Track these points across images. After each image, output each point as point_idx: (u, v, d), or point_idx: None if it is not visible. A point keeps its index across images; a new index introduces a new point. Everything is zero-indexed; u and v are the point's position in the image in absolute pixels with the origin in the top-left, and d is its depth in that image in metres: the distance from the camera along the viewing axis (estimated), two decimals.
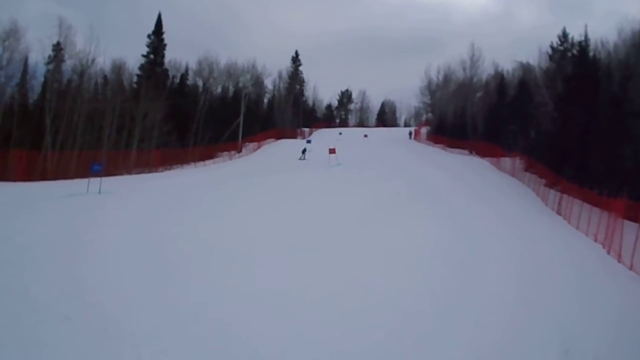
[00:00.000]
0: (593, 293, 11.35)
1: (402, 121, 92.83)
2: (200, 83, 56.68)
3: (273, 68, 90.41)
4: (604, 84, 28.39)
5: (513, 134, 36.86)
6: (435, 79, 64.47)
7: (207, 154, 43.53)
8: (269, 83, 70.06)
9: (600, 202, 19.49)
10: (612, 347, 8.51)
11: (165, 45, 51.06)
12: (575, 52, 35.57)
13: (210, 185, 24.15)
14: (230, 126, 50.34)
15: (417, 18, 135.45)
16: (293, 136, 61.02)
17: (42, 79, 42.67)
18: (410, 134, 60.63)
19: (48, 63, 42.23)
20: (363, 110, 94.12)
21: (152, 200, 19.28)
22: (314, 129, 67.90)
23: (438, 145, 50.03)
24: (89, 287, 9.70)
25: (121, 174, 32.00)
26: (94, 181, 20.81)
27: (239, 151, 47.03)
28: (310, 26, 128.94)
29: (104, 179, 21.70)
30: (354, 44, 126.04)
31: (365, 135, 58.37)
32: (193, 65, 56.57)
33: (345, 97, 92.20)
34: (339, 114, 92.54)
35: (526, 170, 31.49)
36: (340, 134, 60.37)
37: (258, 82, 65.73)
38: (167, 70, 52.36)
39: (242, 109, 50.09)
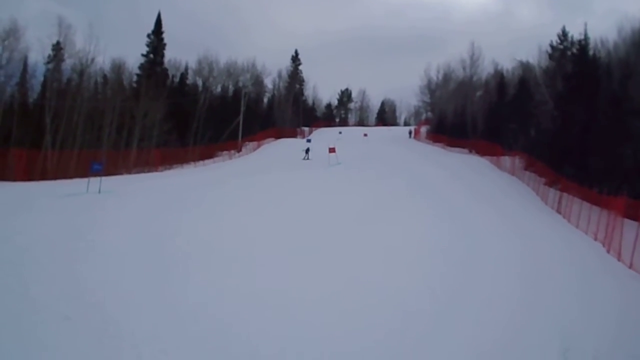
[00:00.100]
0: (593, 291, 11.36)
1: (402, 120, 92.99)
2: (200, 82, 56.72)
3: (273, 67, 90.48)
4: (604, 82, 28.38)
5: (513, 132, 36.89)
6: (435, 77, 64.54)
7: (207, 153, 43.53)
8: (268, 82, 70.24)
9: (600, 200, 19.51)
10: (612, 345, 8.51)
11: (165, 44, 51.11)
12: (575, 50, 35.51)
13: (210, 185, 24.15)
14: (230, 125, 50.35)
15: (417, 17, 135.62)
16: (293, 135, 61.01)
17: (41, 78, 42.77)
18: (410, 133, 60.64)
19: (48, 62, 42.28)
20: (363, 109, 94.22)
21: (152, 200, 19.28)
22: (313, 128, 67.92)
23: (438, 144, 50.04)
24: (88, 287, 9.70)
25: (121, 174, 32.00)
26: (94, 180, 20.81)
27: (239, 150, 47.03)
28: (310, 25, 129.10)
29: (104, 178, 21.69)
30: (353, 43, 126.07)
31: (365, 135, 58.38)
32: (193, 65, 56.74)
33: (345, 96, 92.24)
34: (339, 113, 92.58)
35: (526, 169, 31.50)
36: (340, 133, 60.39)
37: (258, 81, 65.74)
38: (166, 69, 52.37)
39: (242, 108, 50.07)
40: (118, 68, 47.89)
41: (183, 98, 49.23)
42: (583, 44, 33.29)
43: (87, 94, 42.60)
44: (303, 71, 77.03)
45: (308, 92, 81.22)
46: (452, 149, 45.87)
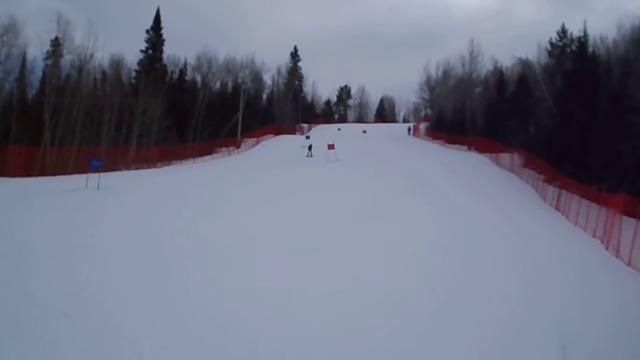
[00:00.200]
0: (591, 289, 11.38)
1: (401, 117, 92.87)
2: (199, 78, 56.57)
3: (272, 64, 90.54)
4: (604, 79, 28.36)
5: (512, 129, 36.86)
6: (434, 74, 64.54)
7: (206, 150, 43.45)
8: (268, 79, 70.09)
9: (599, 197, 19.53)
10: (611, 342, 8.54)
11: (163, 40, 50.92)
12: (574, 48, 35.46)
13: (209, 181, 24.12)
14: (229, 122, 50.26)
15: (417, 13, 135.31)
16: (292, 132, 60.95)
17: (40, 74, 42.53)
18: (409, 129, 60.59)
19: (46, 58, 42.11)
20: (362, 106, 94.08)
21: (151, 196, 19.26)
22: (312, 125, 67.85)
23: (437, 141, 50.02)
24: (87, 283, 9.70)
25: (120, 170, 31.95)
26: (93, 177, 20.78)
27: (238, 147, 46.98)
28: (309, 22, 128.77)
29: (103, 174, 21.66)
30: (353, 40, 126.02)
31: (364, 131, 58.34)
32: (192, 61, 56.55)
33: (344, 93, 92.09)
34: (338, 109, 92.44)
35: (525, 166, 31.50)
36: (339, 129, 60.32)
37: (257, 77, 65.62)
38: (165, 65, 52.20)
39: (241, 105, 49.96)
40: (117, 64, 47.78)
41: (182, 94, 49.11)
42: (582, 41, 33.25)
43: (86, 90, 42.43)
44: (302, 67, 77.09)
45: (307, 89, 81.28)
46: (451, 146, 45.82)
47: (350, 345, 7.95)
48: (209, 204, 18.16)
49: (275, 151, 42.56)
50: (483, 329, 8.78)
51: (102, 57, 53.63)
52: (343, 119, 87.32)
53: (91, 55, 42.68)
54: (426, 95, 67.96)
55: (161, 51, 51.03)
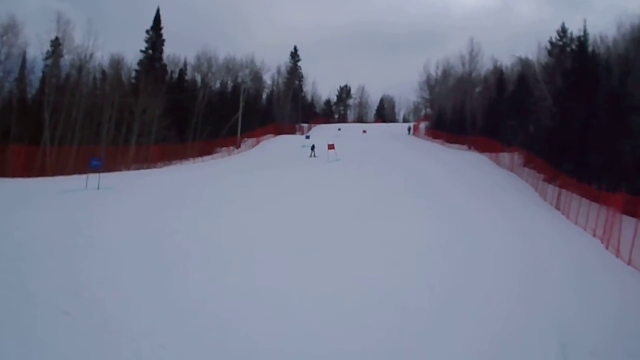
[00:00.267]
0: (592, 288, 11.38)
1: (401, 117, 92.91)
2: (199, 78, 56.58)
3: (272, 63, 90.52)
4: (604, 79, 28.35)
5: (512, 129, 36.83)
6: (434, 74, 64.58)
7: (206, 150, 43.43)
8: (268, 78, 70.17)
9: (599, 197, 19.51)
10: (611, 341, 8.54)
11: (164, 40, 50.92)
12: (574, 47, 35.46)
13: (209, 181, 24.12)
14: (229, 121, 50.25)
15: (417, 13, 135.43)
16: (292, 132, 60.96)
17: (40, 74, 42.55)
18: (409, 129, 60.61)
19: (47, 58, 42.12)
20: (362, 105, 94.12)
21: (151, 196, 19.26)
22: (313, 125, 67.88)
23: (437, 140, 50.02)
24: (87, 283, 9.70)
25: (120, 170, 31.94)
26: (93, 177, 20.78)
27: (238, 147, 46.97)
28: (309, 21, 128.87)
29: (103, 174, 21.67)
30: (353, 39, 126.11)
31: (365, 131, 58.38)
32: (192, 61, 56.58)
33: (345, 93, 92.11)
34: (338, 109, 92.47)
35: (525, 165, 31.50)
36: (340, 129, 60.34)
37: (257, 77, 65.66)
38: (165, 65, 52.21)
39: (241, 105, 49.96)
40: (117, 64, 47.79)
41: (182, 94, 49.10)
42: (582, 41, 33.25)
43: (86, 90, 42.43)
44: (302, 67, 77.19)
45: (307, 89, 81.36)
46: (452, 145, 45.82)
47: (350, 345, 7.95)
48: (209, 204, 18.16)
49: (275, 151, 42.56)
50: (483, 328, 8.77)
51: (102, 57, 53.80)
52: (343, 119, 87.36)
53: (91, 55, 42.73)
54: (426, 95, 68.05)
55: (161, 51, 51.05)
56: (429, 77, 65.29)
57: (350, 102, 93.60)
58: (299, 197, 20.48)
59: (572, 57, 34.56)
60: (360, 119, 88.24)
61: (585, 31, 33.49)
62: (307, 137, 47.89)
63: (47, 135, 36.25)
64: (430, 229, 15.91)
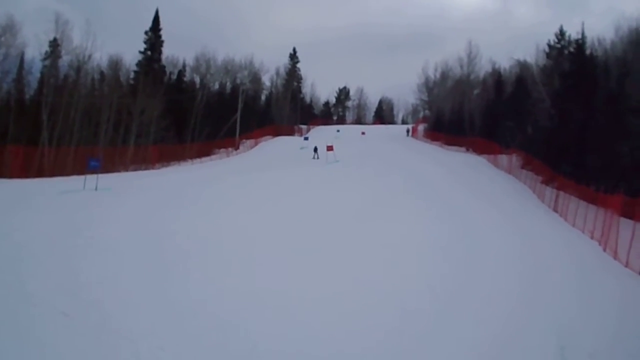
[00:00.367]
0: (590, 290, 11.39)
1: (399, 118, 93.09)
2: (197, 79, 56.53)
3: (271, 64, 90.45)
4: (601, 80, 28.43)
5: (510, 130, 36.91)
6: (432, 76, 64.65)
7: (204, 151, 43.42)
8: (266, 79, 70.13)
9: (596, 198, 19.54)
10: (609, 342, 8.55)
11: (162, 41, 50.87)
12: (572, 49, 35.58)
13: (207, 182, 24.12)
14: (227, 122, 50.24)
15: (415, 14, 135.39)
16: (290, 133, 60.97)
17: (38, 75, 42.42)
18: (407, 131, 60.69)
19: (45, 59, 42.04)
20: (360, 107, 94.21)
21: (149, 197, 19.24)
22: (311, 126, 67.91)
23: (435, 142, 50.10)
24: (86, 283, 9.68)
25: (118, 171, 31.91)
26: (91, 178, 20.75)
27: (237, 148, 46.94)
28: (308, 22, 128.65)
29: (101, 175, 21.63)
30: (351, 41, 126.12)
31: (363, 133, 58.43)
32: (190, 62, 56.51)
33: (343, 94, 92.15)
34: (337, 110, 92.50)
35: (523, 167, 31.54)
36: (338, 131, 60.37)
37: (255, 78, 65.64)
38: (164, 66, 52.16)
39: (240, 106, 49.95)
40: (115, 65, 47.72)
41: (180, 95, 49.08)
42: (580, 43, 33.38)
43: (84, 90, 42.35)
44: (301, 69, 77.13)
45: (306, 90, 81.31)
46: (450, 147, 45.87)
47: (350, 346, 7.94)
48: (208, 205, 18.15)
49: (273, 152, 42.56)
50: (482, 329, 8.78)
51: (100, 57, 53.50)
52: (342, 120, 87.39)
53: (89, 56, 42.67)
54: (424, 97, 68.15)
55: (160, 52, 51.00)
56: (427, 79, 65.48)
57: (349, 103, 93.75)
58: (298, 198, 20.48)
59: (569, 59, 34.67)
60: (359, 121, 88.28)
61: (583, 33, 33.67)
62: (306, 139, 47.89)
63: (45, 135, 36.20)
64: (430, 230, 15.93)
